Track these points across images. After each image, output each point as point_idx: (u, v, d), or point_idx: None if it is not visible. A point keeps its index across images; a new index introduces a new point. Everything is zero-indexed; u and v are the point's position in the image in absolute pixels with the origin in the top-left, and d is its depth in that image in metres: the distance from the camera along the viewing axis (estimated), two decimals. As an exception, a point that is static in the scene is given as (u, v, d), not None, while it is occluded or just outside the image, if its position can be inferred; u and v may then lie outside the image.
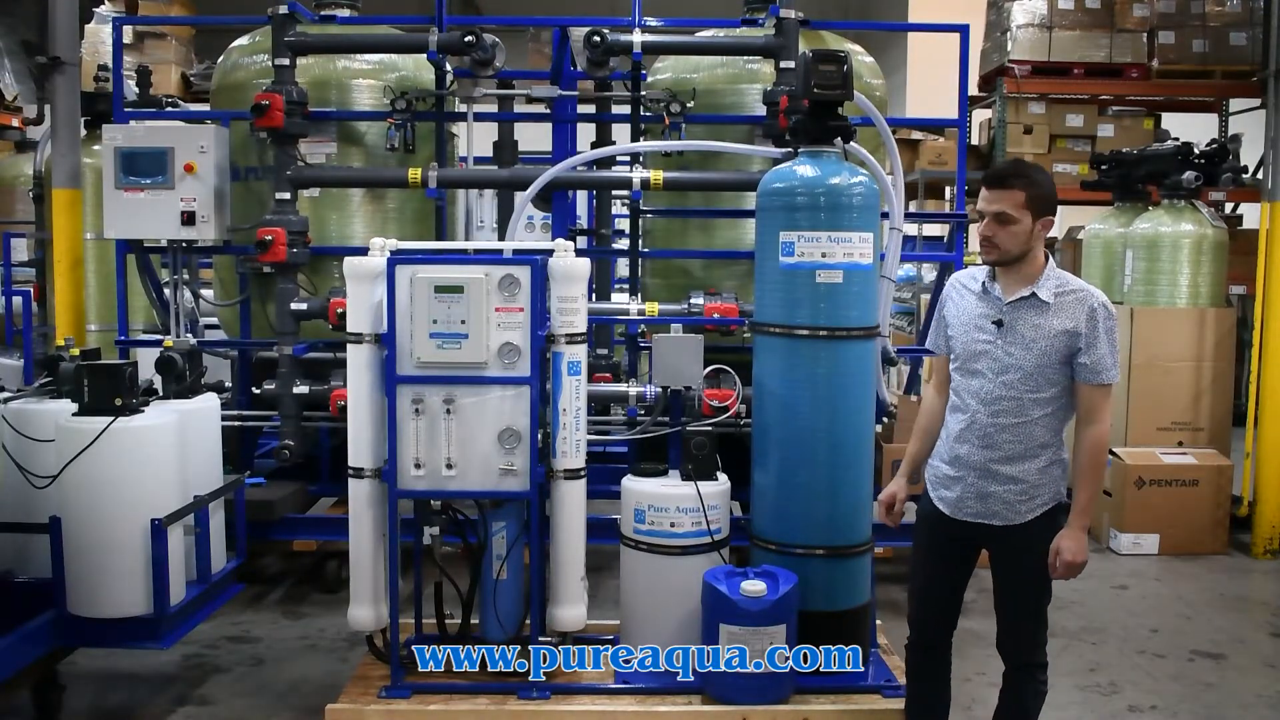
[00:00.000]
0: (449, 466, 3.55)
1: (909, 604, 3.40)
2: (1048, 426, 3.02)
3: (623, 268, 6.45)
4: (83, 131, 5.91)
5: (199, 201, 4.98)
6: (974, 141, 9.05)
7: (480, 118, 5.22)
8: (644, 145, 5.08)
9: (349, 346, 3.63)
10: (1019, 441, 3.02)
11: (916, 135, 9.18)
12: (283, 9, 4.92)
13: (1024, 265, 3.02)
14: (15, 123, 9.45)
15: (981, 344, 3.06)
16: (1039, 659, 3.15)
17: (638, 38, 4.89)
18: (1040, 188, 2.99)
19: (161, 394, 4.20)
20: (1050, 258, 3.07)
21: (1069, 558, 2.95)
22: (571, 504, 3.66)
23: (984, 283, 3.11)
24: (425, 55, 5.03)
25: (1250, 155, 7.89)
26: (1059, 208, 3.10)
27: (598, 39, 4.82)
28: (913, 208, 9.14)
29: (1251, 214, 7.85)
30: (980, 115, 9.30)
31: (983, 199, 3.02)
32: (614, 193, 5.90)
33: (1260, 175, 6.93)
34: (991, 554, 3.16)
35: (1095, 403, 2.98)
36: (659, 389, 4.31)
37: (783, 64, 4.87)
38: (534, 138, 5.87)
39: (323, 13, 5.47)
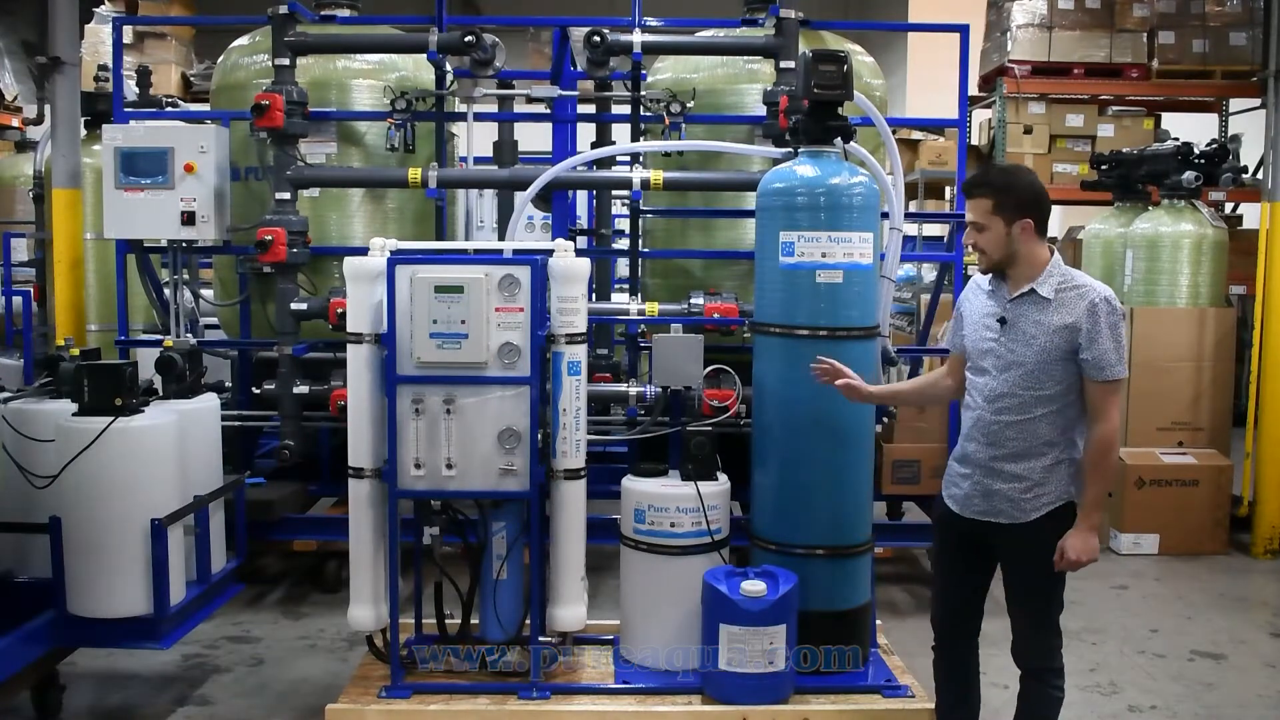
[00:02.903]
0: (449, 466, 3.55)
1: (931, 605, 3.41)
2: (1053, 424, 3.01)
3: (623, 268, 6.45)
4: (83, 131, 5.91)
5: (199, 201, 4.98)
6: (974, 141, 9.05)
7: (480, 118, 5.22)
8: (644, 145, 5.08)
9: (349, 346, 3.63)
10: (1023, 439, 3.02)
11: (916, 135, 9.18)
12: (283, 9, 4.92)
13: (1024, 264, 3.04)
14: (15, 123, 9.46)
15: (988, 342, 3.09)
16: (1051, 664, 3.13)
17: (638, 38, 4.88)
18: (1010, 191, 3.02)
19: (161, 394, 4.21)
20: (1055, 254, 3.08)
21: (1073, 556, 2.97)
22: (571, 504, 3.66)
23: (993, 281, 3.15)
24: (425, 55, 5.03)
25: (1250, 155, 7.90)
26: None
27: (598, 39, 4.82)
28: (913, 208, 9.14)
29: (1251, 214, 7.86)
30: (980, 115, 9.30)
31: (966, 209, 3.11)
32: (614, 193, 5.90)
33: (1260, 175, 6.94)
34: (1000, 554, 3.16)
35: (1100, 400, 2.97)
36: (659, 389, 4.31)
37: (783, 64, 4.87)
38: (534, 138, 5.87)
39: (323, 13, 5.47)
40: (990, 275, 3.14)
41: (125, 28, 7.69)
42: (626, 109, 5.22)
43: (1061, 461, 3.03)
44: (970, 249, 3.15)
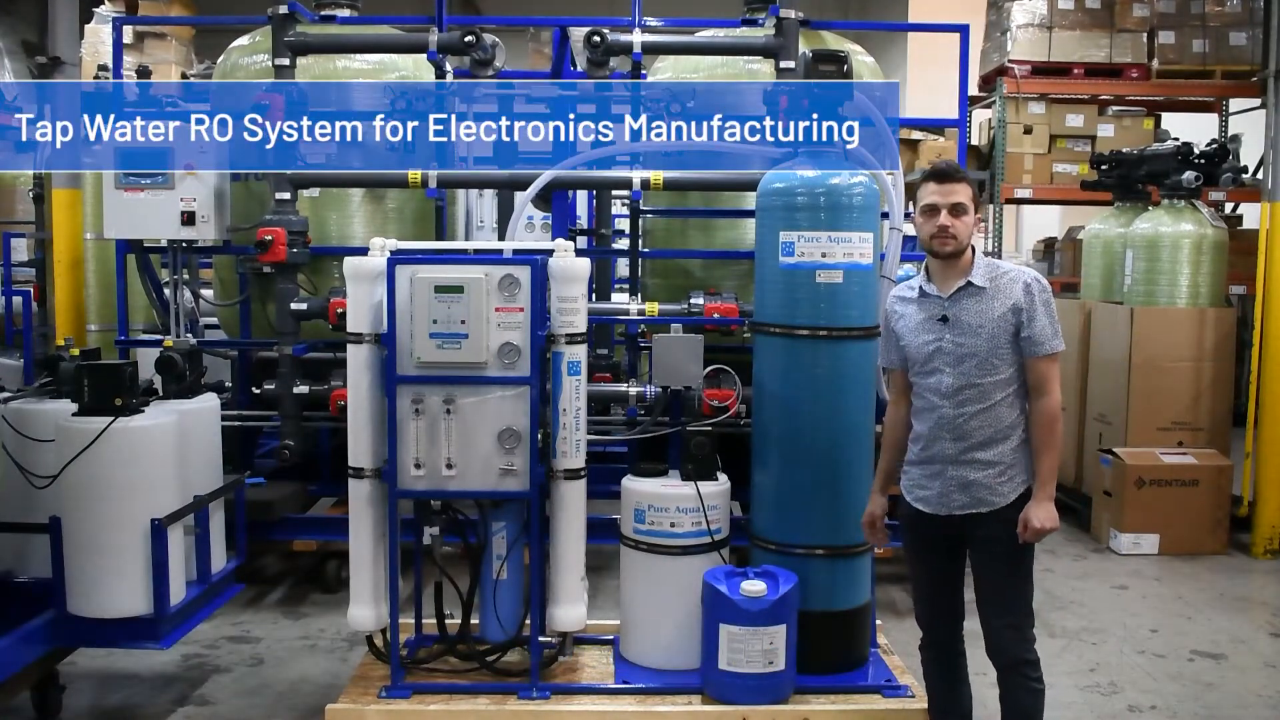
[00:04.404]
0: (449, 466, 3.55)
1: (914, 606, 3.42)
2: (1012, 405, 3.10)
3: (623, 268, 6.45)
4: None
5: (199, 201, 4.97)
6: (974, 141, 9.04)
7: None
8: (643, 145, 5.06)
9: (349, 346, 3.63)
10: (989, 426, 3.09)
11: (916, 135, 9.17)
12: (283, 9, 4.92)
13: (960, 259, 3.13)
14: (15, 122, 9.44)
15: (933, 344, 3.14)
16: (1028, 656, 3.15)
17: (638, 38, 4.89)
18: (974, 186, 3.18)
19: (161, 394, 4.21)
20: (975, 249, 3.17)
21: (1036, 524, 3.01)
22: (571, 504, 3.66)
23: (920, 288, 3.20)
24: (425, 55, 5.03)
25: (1250, 155, 7.90)
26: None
27: (598, 39, 4.82)
28: (912, 208, 9.12)
29: (1251, 214, 7.85)
30: (980, 115, 9.29)
31: (934, 192, 3.13)
32: (614, 193, 5.90)
33: (1260, 175, 6.93)
34: (974, 546, 3.17)
35: (1043, 374, 3.07)
36: (659, 389, 4.31)
37: (783, 64, 4.87)
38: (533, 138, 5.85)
39: (323, 13, 5.47)
40: (919, 283, 3.20)
41: (125, 28, 7.69)
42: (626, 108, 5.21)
43: (1025, 440, 3.12)
44: (941, 232, 3.08)
